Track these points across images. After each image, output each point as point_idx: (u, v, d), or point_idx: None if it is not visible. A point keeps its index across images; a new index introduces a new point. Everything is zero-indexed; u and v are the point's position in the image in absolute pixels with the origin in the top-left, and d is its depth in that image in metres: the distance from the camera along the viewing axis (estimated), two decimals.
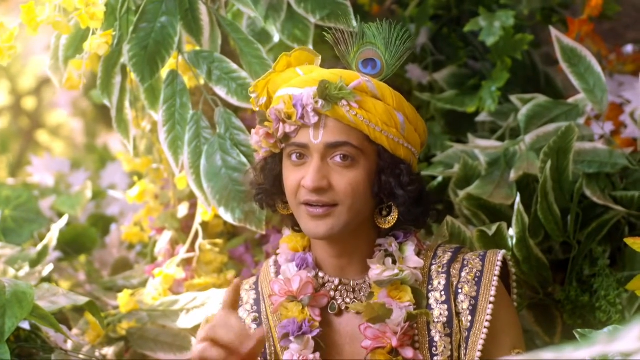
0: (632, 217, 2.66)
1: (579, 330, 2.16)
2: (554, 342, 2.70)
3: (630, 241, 2.18)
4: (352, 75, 2.22)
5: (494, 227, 2.57)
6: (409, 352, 2.22)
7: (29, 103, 7.55)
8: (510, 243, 2.58)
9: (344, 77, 2.19)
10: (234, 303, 2.09)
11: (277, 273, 2.37)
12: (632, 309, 2.57)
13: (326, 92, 2.17)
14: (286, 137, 2.23)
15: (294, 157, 2.23)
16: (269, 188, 2.31)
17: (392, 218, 2.25)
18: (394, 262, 2.27)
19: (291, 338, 2.26)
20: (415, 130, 2.27)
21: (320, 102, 2.18)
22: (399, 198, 2.23)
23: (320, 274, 2.32)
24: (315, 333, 2.26)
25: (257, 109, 2.32)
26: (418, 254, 2.29)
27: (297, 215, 2.26)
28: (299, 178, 2.22)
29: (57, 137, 7.53)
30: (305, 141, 2.21)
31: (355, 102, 2.18)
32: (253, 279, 2.44)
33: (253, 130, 2.28)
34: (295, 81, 2.23)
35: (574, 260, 2.66)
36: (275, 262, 2.40)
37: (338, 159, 2.20)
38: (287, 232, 2.39)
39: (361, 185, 2.21)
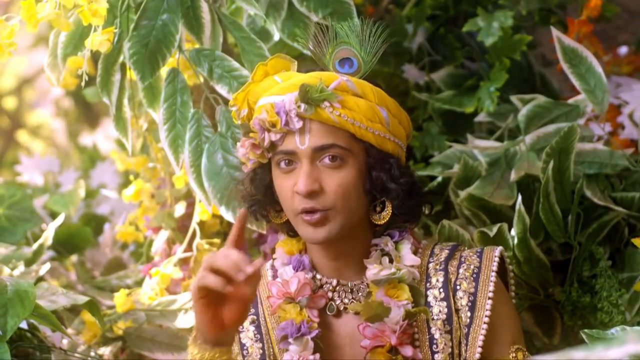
0: (632, 219, 2.66)
1: (586, 330, 2.15)
2: (553, 344, 2.70)
3: (639, 242, 2.17)
4: (331, 76, 2.21)
5: (495, 228, 2.56)
6: (408, 351, 2.21)
7: (9, 103, 7.52)
8: (511, 244, 2.58)
9: (323, 79, 2.18)
10: (238, 239, 2.08)
11: (275, 277, 2.35)
12: (632, 310, 2.56)
13: (308, 96, 2.16)
14: (272, 146, 2.21)
15: (282, 164, 2.22)
16: (261, 199, 2.29)
17: (387, 213, 2.24)
18: (391, 261, 2.26)
19: (290, 340, 2.25)
20: (399, 123, 2.26)
21: (303, 106, 2.16)
22: (392, 192, 2.22)
23: (318, 276, 2.31)
24: (314, 334, 2.25)
25: (240, 122, 2.31)
26: (414, 253, 2.29)
27: (294, 224, 2.25)
28: (291, 185, 2.20)
29: (37, 137, 7.50)
30: (292, 148, 2.19)
31: (337, 102, 2.17)
32: None
33: (238, 144, 2.27)
34: (275, 89, 2.22)
35: (575, 261, 2.66)
36: (272, 266, 2.39)
37: (327, 160, 2.19)
38: (282, 236, 2.38)
39: (352, 184, 2.20)
